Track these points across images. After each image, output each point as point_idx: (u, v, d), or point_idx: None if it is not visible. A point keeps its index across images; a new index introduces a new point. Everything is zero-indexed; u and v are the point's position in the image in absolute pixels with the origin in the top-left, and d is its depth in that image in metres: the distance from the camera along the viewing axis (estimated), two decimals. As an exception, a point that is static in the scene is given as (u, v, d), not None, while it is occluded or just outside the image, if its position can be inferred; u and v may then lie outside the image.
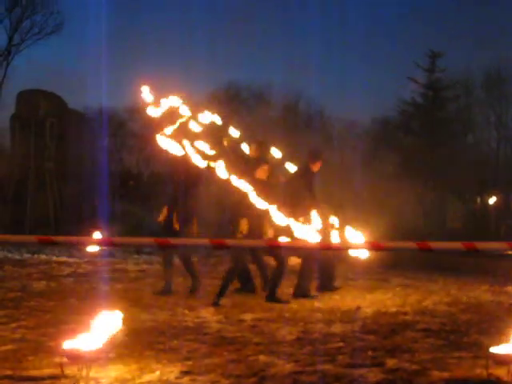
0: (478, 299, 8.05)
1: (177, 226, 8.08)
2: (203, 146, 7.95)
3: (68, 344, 4.16)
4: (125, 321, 5.15)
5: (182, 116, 8.40)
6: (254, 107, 40.42)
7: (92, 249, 11.21)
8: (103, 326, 4.59)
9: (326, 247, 6.73)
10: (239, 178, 6.84)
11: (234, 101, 41.14)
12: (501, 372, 4.15)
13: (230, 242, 4.82)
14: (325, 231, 7.40)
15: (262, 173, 7.83)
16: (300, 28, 58.26)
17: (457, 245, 4.51)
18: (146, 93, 8.33)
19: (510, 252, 4.54)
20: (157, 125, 8.13)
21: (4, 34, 32.02)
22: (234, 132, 8.72)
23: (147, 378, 4.18)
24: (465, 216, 29.33)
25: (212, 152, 7.91)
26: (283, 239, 6.19)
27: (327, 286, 8.49)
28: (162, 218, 8.27)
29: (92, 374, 4.10)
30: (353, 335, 5.61)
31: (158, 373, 4.28)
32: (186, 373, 4.28)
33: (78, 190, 20.14)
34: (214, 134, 8.55)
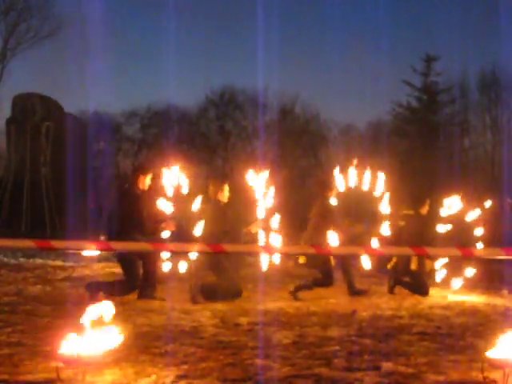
0: (473, 303, 8.06)
1: None
2: None
3: (64, 348, 4.16)
4: (120, 325, 5.14)
5: None
6: (249, 111, 40.50)
7: (88, 253, 11.18)
8: (99, 330, 4.59)
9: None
10: None
11: (230, 105, 41.21)
12: (496, 375, 4.16)
13: (227, 247, 4.83)
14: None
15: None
16: (295, 32, 58.40)
17: (454, 251, 4.54)
18: None
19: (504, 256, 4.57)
20: None
21: (-1, 37, 32.04)
22: None
23: (143, 382, 4.18)
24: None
25: None
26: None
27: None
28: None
29: (88, 378, 4.10)
30: (349, 339, 5.62)
31: (153, 377, 4.28)
32: (181, 377, 4.29)
33: (74, 193, 20.09)
34: None
